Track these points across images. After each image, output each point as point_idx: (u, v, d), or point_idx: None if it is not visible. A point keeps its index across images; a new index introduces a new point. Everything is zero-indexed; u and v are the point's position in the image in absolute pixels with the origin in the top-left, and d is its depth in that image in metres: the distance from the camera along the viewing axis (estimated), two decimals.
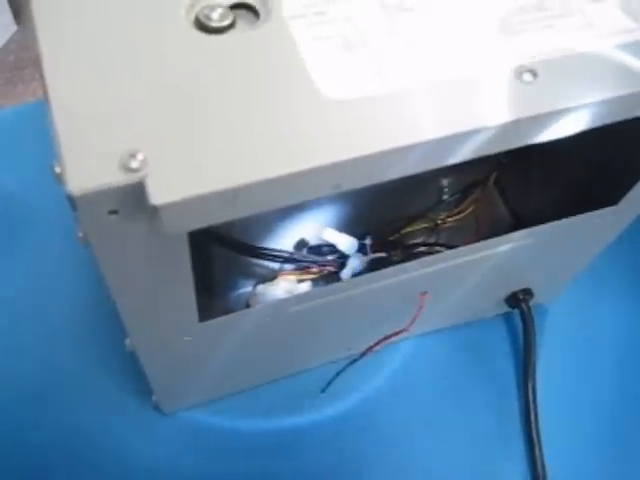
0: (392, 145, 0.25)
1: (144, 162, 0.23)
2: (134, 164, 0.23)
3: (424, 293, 0.45)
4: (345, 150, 0.25)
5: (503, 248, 0.43)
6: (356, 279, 0.43)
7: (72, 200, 0.23)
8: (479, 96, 0.28)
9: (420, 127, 0.26)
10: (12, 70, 1.42)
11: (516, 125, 0.27)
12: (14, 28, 1.48)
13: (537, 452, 0.50)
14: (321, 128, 0.26)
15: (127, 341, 0.38)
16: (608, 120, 0.30)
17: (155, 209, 0.23)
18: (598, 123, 0.30)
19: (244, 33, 0.28)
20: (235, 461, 0.49)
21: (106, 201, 0.24)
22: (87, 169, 0.23)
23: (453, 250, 0.42)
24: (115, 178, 0.23)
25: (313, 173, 0.25)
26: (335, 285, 0.42)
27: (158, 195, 0.23)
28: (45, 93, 0.25)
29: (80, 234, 0.26)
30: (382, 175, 0.27)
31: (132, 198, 0.24)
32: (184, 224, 0.25)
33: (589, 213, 0.42)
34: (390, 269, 0.40)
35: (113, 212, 0.24)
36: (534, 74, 0.28)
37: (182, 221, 0.24)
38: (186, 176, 0.24)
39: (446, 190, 0.53)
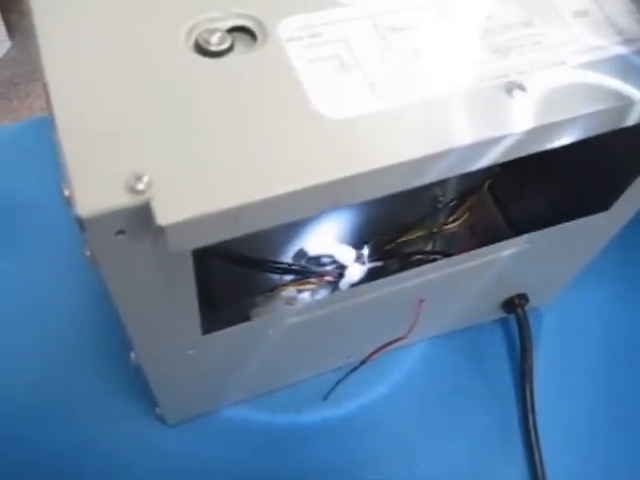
0: (389, 162, 0.26)
1: (149, 184, 0.24)
2: (140, 186, 0.24)
3: (422, 301, 0.46)
4: (343, 167, 0.26)
5: (498, 255, 0.43)
6: (355, 289, 0.44)
7: (81, 222, 0.24)
8: (470, 112, 0.28)
9: (415, 143, 0.27)
10: (7, 86, 1.43)
11: (507, 140, 0.28)
12: (8, 44, 1.49)
13: (536, 455, 0.50)
14: (319, 147, 0.26)
15: (132, 354, 0.39)
16: (595, 132, 0.31)
17: (161, 229, 0.24)
18: (586, 135, 0.30)
19: (242, 56, 0.29)
20: (239, 468, 0.49)
21: (113, 222, 0.24)
22: (95, 192, 0.24)
23: (449, 258, 0.42)
24: (122, 200, 0.24)
25: (313, 191, 0.25)
26: (334, 295, 0.42)
27: (164, 216, 0.24)
28: (52, 117, 0.26)
29: (88, 253, 0.27)
30: (381, 190, 0.28)
31: (138, 219, 0.24)
32: (188, 243, 0.26)
33: (582, 219, 0.43)
34: (388, 278, 0.41)
35: (120, 232, 0.25)
36: (523, 89, 0.29)
37: (187, 240, 0.25)
38: (190, 197, 0.24)
39: (441, 198, 0.54)
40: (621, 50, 0.31)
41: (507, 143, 0.28)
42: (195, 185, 0.25)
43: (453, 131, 0.28)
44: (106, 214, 0.24)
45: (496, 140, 0.28)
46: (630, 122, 0.31)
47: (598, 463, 0.52)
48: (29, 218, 0.59)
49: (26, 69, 1.42)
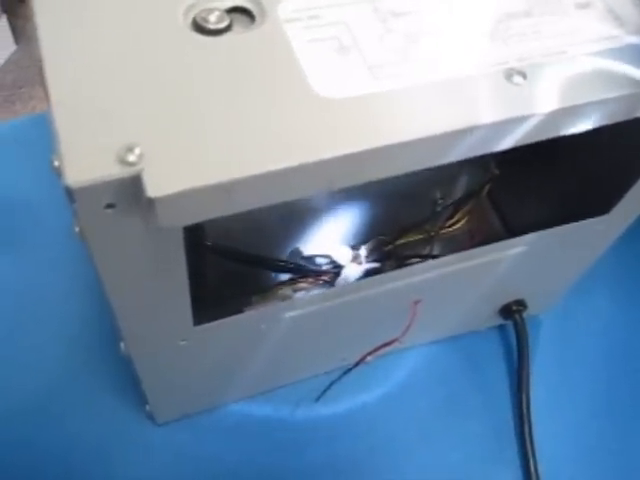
0: (384, 142, 0.26)
1: (141, 156, 0.24)
2: (131, 158, 0.24)
3: (417, 302, 0.45)
4: (337, 147, 0.25)
5: (495, 256, 0.43)
6: (351, 285, 0.43)
7: (70, 192, 0.23)
8: (469, 97, 0.28)
9: (411, 125, 0.27)
10: (10, 89, 1.43)
11: (505, 125, 0.28)
12: (13, 48, 1.50)
13: (531, 464, 0.50)
14: (314, 125, 0.26)
15: (121, 345, 0.38)
16: (595, 124, 0.30)
17: (151, 202, 0.23)
18: (585, 127, 0.30)
19: (240, 35, 0.29)
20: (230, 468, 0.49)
21: (103, 194, 0.24)
22: (85, 162, 0.23)
23: (444, 257, 0.42)
24: (112, 171, 0.23)
25: (307, 168, 0.25)
26: (330, 291, 0.42)
27: (154, 188, 0.23)
28: (45, 90, 0.26)
29: (77, 229, 0.26)
30: (375, 173, 0.27)
31: (129, 191, 0.24)
32: (179, 218, 0.25)
33: (581, 222, 0.42)
34: (384, 275, 0.40)
35: (110, 206, 0.25)
36: (523, 76, 0.29)
37: (177, 215, 0.25)
38: (181, 170, 0.24)
39: (440, 202, 0.54)
40: (623, 41, 0.31)
41: (506, 128, 0.28)
42: (188, 159, 0.24)
43: (450, 114, 0.27)
44: (96, 185, 0.23)
45: (496, 125, 0.27)
46: (633, 114, 0.30)
47: (594, 472, 0.51)
48: (26, 215, 0.59)
49: (30, 73, 1.43)
